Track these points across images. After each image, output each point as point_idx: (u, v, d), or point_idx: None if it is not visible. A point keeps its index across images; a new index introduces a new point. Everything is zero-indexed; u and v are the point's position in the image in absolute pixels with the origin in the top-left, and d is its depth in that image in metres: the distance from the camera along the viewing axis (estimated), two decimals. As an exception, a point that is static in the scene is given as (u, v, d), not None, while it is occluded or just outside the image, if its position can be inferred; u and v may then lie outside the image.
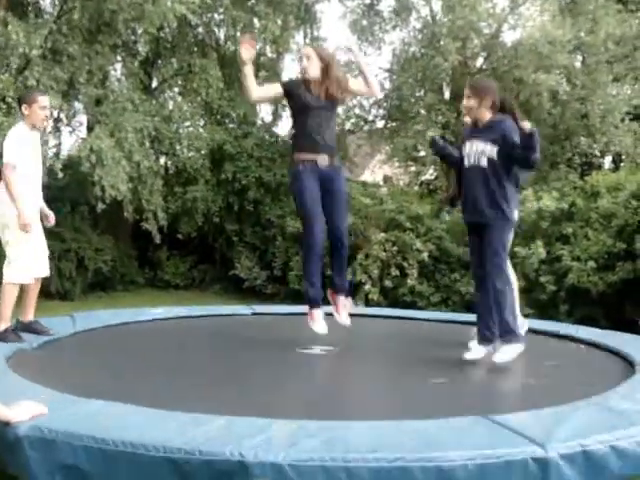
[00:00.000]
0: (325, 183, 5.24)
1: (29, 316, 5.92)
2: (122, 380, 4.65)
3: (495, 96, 4.86)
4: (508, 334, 4.77)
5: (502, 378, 4.80)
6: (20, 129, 5.65)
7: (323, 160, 5.20)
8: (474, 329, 5.29)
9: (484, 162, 4.83)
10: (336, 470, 2.79)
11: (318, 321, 5.34)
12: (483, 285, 5.01)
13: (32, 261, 5.71)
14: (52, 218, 6.08)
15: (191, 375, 4.86)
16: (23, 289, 5.77)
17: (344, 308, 5.51)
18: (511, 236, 5.02)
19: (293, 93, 5.37)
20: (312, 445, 2.95)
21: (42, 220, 5.98)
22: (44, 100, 5.72)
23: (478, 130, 4.93)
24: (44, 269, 5.96)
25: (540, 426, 3.26)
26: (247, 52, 5.09)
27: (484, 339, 5.02)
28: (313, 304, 5.34)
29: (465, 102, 4.91)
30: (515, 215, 4.99)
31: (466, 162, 4.96)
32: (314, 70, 5.28)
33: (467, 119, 5.19)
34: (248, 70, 5.15)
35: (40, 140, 6.01)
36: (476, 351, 5.01)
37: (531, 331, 6.06)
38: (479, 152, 4.85)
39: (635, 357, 4.97)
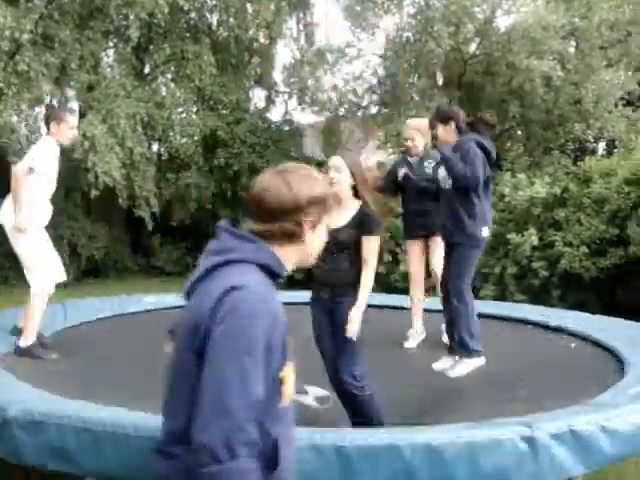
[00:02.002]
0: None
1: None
2: (112, 380, 4.70)
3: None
4: (462, 350, 4.84)
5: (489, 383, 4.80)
6: (47, 144, 5.66)
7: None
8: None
9: (448, 185, 4.97)
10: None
11: None
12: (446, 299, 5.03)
13: (51, 267, 5.67)
14: None
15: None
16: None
17: None
18: (476, 254, 4.96)
19: None
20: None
21: None
22: (73, 120, 5.77)
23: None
24: (62, 274, 5.88)
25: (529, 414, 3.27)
26: None
27: (451, 349, 5.06)
28: None
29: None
30: (483, 233, 4.92)
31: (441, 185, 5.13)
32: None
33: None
34: None
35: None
36: (444, 362, 5.02)
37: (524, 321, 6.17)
38: (443, 176, 5.05)
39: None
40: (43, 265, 5.54)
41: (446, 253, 5.10)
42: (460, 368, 4.79)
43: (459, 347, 4.85)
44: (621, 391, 3.81)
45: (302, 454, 2.71)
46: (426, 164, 5.96)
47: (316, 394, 4.47)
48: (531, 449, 2.88)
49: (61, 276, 5.85)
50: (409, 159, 6.08)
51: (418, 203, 5.95)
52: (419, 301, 6.18)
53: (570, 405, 3.56)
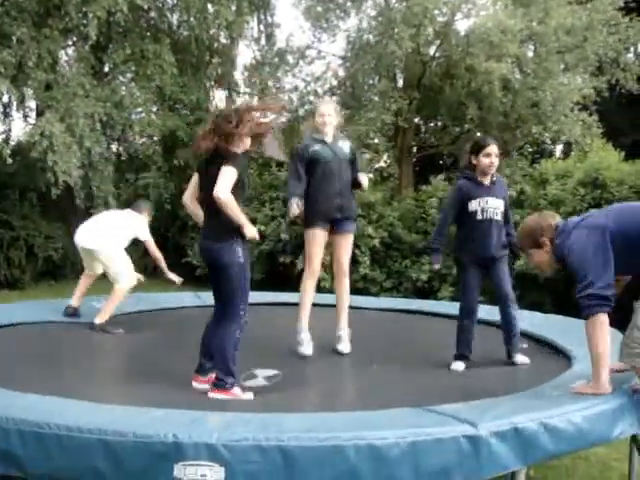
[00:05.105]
0: None
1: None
2: (56, 375, 4.72)
3: None
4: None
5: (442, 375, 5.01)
6: None
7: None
8: None
9: (499, 216, 5.35)
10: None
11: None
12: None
13: (131, 270, 7.13)
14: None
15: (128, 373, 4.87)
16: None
17: None
18: None
19: None
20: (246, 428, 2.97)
21: None
22: None
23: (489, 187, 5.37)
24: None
25: (473, 409, 3.32)
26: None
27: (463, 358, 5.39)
28: None
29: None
30: None
31: (480, 216, 5.28)
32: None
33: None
34: None
35: None
36: (521, 358, 5.43)
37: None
38: (494, 207, 5.33)
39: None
40: (128, 268, 7.04)
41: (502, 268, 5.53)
42: (524, 359, 5.37)
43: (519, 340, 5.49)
44: (563, 387, 3.90)
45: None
46: (340, 144, 5.77)
47: (264, 374, 4.86)
48: (474, 447, 2.93)
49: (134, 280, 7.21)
50: (323, 138, 5.71)
51: (333, 185, 5.65)
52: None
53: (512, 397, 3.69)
